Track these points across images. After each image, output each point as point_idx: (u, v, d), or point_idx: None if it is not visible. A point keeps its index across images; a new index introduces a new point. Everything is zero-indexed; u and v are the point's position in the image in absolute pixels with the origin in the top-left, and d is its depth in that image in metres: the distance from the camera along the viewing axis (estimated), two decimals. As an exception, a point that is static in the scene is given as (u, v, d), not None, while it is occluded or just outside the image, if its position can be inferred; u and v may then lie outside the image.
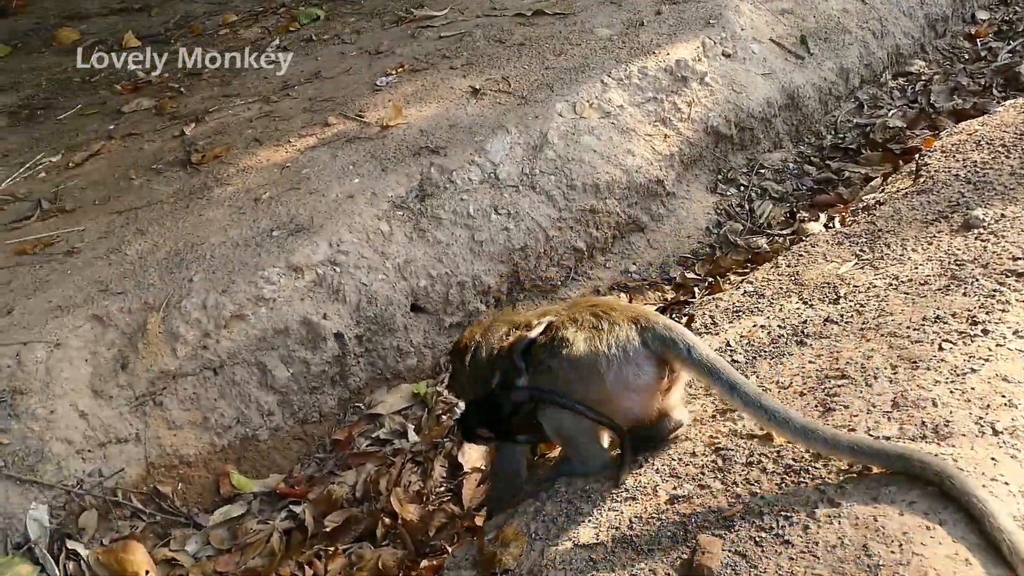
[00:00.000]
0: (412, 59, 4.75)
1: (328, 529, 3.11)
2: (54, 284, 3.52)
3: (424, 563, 2.86)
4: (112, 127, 4.72)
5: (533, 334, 2.32)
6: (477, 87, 4.30)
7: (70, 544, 3.09)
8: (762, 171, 4.45)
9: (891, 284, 2.72)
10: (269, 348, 3.42)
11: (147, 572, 3.04)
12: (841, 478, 2.00)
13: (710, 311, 2.89)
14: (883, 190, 3.65)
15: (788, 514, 1.95)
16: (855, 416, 2.16)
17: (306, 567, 3.01)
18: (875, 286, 2.74)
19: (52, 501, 3.12)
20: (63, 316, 3.35)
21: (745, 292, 2.93)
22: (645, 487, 2.20)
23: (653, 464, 2.27)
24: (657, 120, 4.23)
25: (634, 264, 4.06)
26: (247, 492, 3.32)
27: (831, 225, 3.80)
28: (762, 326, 2.70)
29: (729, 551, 1.91)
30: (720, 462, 2.18)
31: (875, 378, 2.28)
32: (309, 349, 3.47)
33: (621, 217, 4.03)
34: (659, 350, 2.19)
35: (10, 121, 5.00)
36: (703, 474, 2.17)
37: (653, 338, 2.19)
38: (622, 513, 2.14)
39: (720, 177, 4.39)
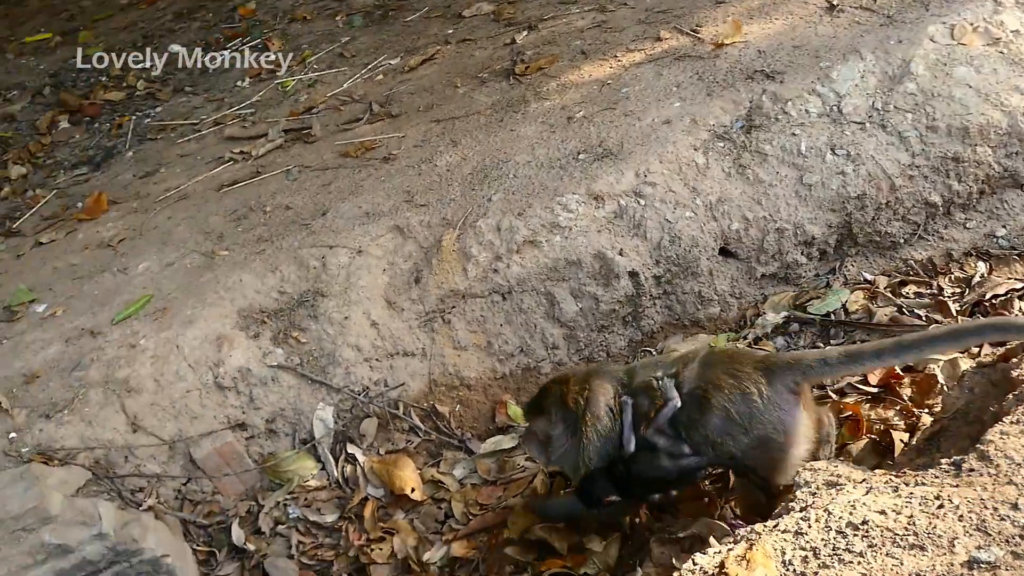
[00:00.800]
0: (768, -35, 4.21)
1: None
2: (367, 190, 3.57)
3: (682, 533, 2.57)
4: (451, 31, 4.70)
5: (673, 404, 2.44)
6: (835, 2, 3.69)
7: (350, 448, 3.19)
8: None
9: None
10: (560, 279, 3.24)
11: (412, 489, 3.06)
12: None
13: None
14: None
15: None
16: None
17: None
18: None
19: (338, 404, 3.22)
20: (369, 223, 3.40)
21: None
22: (940, 536, 1.73)
23: (958, 508, 1.79)
24: (1064, 49, 3.38)
25: (1004, 227, 3.33)
26: (521, 425, 3.22)
27: None
28: None
29: (1033, 661, 1.43)
30: (1050, 526, 1.65)
31: None
32: (601, 285, 3.24)
33: (993, 169, 3.30)
34: (795, 384, 2.39)
35: (365, 22, 5.17)
36: (1022, 538, 1.66)
37: (784, 374, 2.39)
38: (902, 564, 1.70)
39: None
